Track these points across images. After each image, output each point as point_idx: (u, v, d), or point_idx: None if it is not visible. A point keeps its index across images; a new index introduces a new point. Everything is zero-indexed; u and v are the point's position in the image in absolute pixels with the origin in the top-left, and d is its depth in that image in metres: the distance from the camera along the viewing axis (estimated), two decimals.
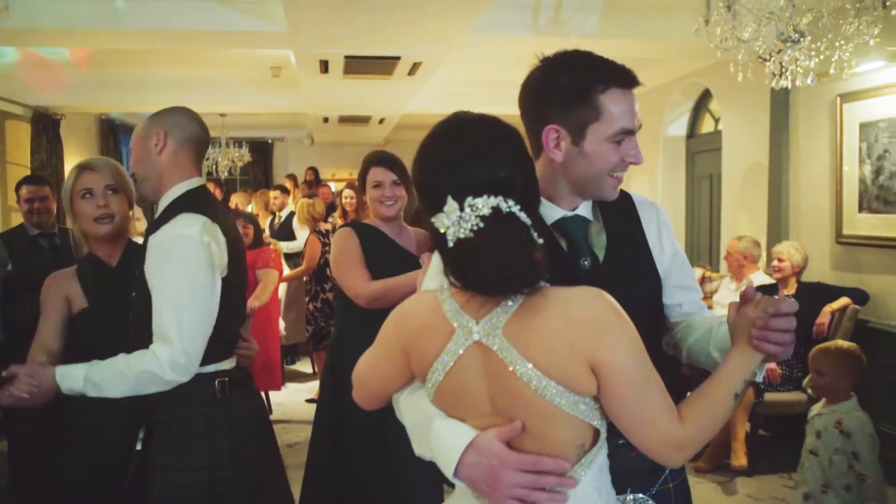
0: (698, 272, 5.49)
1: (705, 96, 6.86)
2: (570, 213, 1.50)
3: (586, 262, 1.49)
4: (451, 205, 1.20)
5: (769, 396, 4.29)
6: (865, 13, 2.91)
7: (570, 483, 1.22)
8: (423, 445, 1.34)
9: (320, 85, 6.37)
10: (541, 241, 1.22)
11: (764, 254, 5.12)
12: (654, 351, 1.54)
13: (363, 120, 9.32)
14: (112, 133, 9.58)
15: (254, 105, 8.10)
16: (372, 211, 2.89)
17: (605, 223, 1.55)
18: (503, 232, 1.18)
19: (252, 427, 2.12)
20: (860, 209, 4.41)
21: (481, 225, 1.18)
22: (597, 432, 1.24)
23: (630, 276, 1.52)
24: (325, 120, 9.22)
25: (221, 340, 2.04)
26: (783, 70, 3.24)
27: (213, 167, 10.12)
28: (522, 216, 1.21)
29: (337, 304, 3.04)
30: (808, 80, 3.31)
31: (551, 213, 1.48)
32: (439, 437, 1.29)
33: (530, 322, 1.20)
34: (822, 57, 3.20)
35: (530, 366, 1.19)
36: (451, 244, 1.21)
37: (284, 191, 8.24)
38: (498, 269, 1.18)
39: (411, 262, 2.83)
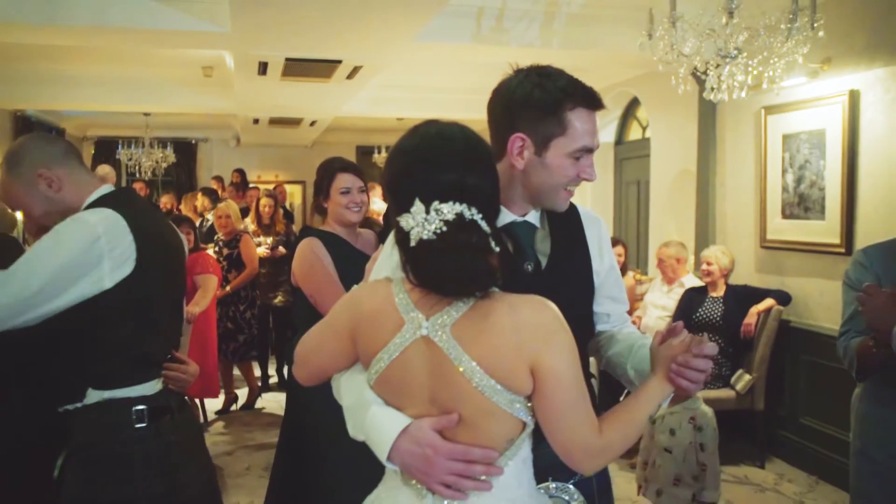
0: (630, 276, 5.68)
1: (633, 104, 7.11)
2: (520, 219, 1.59)
3: (529, 267, 1.58)
4: (417, 206, 1.26)
5: (700, 393, 4.49)
6: (797, 33, 3.11)
7: (497, 471, 1.31)
8: (357, 428, 1.40)
9: (256, 86, 6.28)
10: (497, 249, 1.29)
11: (692, 257, 5.36)
12: (581, 355, 1.65)
13: (295, 122, 9.21)
14: (28, 130, 9.15)
15: (183, 105, 7.89)
16: (336, 217, 2.89)
17: (551, 231, 1.63)
18: (464, 238, 1.25)
19: (180, 458, 1.93)
20: (783, 216, 4.67)
21: (444, 229, 1.24)
22: (525, 428, 1.32)
23: (569, 282, 1.62)
24: (256, 121, 9.06)
25: (139, 360, 1.87)
26: (720, 84, 3.41)
27: (137, 168, 9.79)
28: (483, 225, 1.28)
29: (298, 312, 3.00)
30: (742, 94, 3.50)
31: (502, 216, 1.55)
32: (375, 423, 1.35)
33: (479, 323, 1.27)
34: (755, 72, 3.39)
35: (475, 364, 1.26)
36: (413, 244, 1.26)
37: (212, 193, 8.05)
38: (455, 271, 1.24)
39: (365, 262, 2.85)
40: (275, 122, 9.09)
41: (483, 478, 1.31)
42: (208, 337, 4.91)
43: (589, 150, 1.52)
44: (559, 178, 1.52)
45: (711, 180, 5.34)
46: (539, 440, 1.38)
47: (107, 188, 1.95)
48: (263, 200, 6.10)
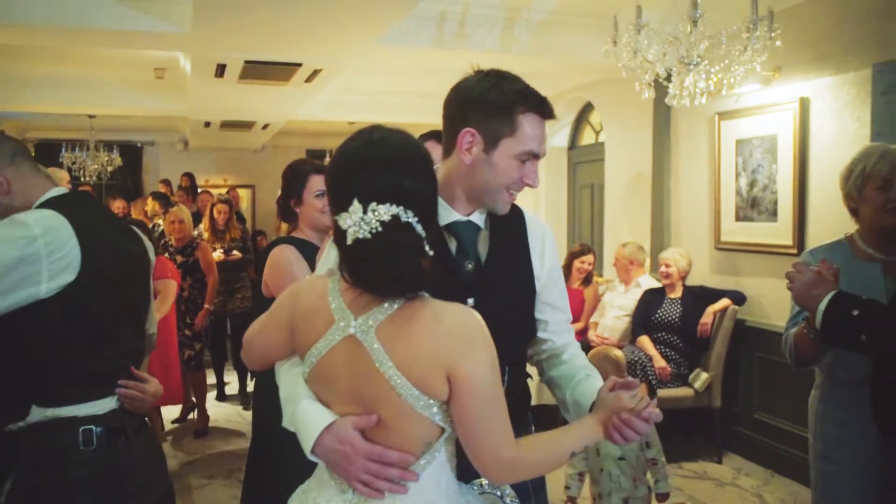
0: (594, 283, 5.76)
1: (586, 109, 7.25)
2: (464, 219, 1.63)
3: (470, 265, 1.62)
4: (355, 206, 1.30)
5: (660, 392, 4.60)
6: (757, 41, 3.23)
7: (412, 477, 1.35)
8: (289, 419, 1.45)
9: (212, 89, 6.17)
10: (431, 253, 1.33)
11: (648, 259, 5.49)
12: (521, 359, 1.75)
13: (247, 125, 9.08)
14: None
15: (132, 107, 7.71)
16: (310, 222, 2.81)
17: (492, 232, 1.67)
18: (398, 238, 1.29)
19: (134, 486, 1.81)
20: (736, 218, 4.83)
21: (380, 229, 1.28)
22: (443, 433, 1.36)
23: (507, 282, 1.66)
24: (207, 124, 8.90)
25: (87, 376, 1.75)
26: (683, 90, 3.52)
27: (81, 172, 9.51)
28: (418, 228, 1.31)
29: None
30: (703, 100, 3.62)
31: (447, 215, 1.60)
32: (303, 417, 1.40)
33: (402, 326, 1.30)
34: (716, 79, 3.50)
35: (393, 366, 1.29)
36: (349, 242, 1.30)
37: (163, 198, 7.87)
38: (387, 270, 1.28)
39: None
40: (227, 125, 8.95)
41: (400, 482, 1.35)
42: (169, 343, 4.80)
43: (535, 156, 1.56)
44: (503, 178, 1.56)
45: (666, 184, 5.48)
46: None
47: (58, 190, 1.85)
48: (219, 206, 5.93)
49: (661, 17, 3.45)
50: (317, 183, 2.78)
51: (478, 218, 1.65)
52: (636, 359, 4.57)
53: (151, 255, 2.08)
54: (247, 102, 7.02)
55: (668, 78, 3.63)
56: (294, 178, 2.84)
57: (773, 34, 3.35)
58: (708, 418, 4.74)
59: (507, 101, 1.53)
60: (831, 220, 4.15)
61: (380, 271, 1.28)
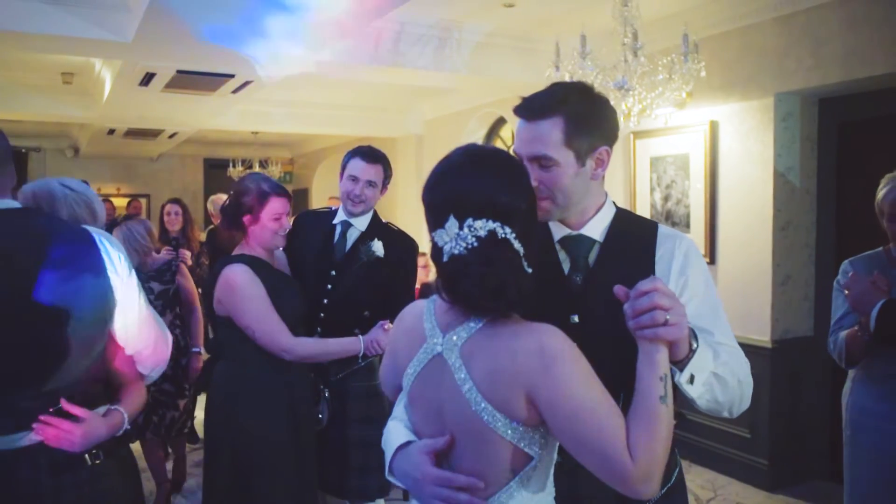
0: None
1: (497, 124, 7.57)
2: (575, 233, 1.60)
3: (578, 279, 1.58)
4: (451, 223, 1.29)
5: None
6: (688, 72, 3.60)
7: None
8: (383, 440, 1.47)
9: (131, 97, 6.01)
10: (530, 270, 1.30)
11: None
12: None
13: (154, 133, 8.82)
14: None
15: (32, 112, 7.32)
16: (262, 241, 2.78)
17: (607, 245, 1.60)
18: (495, 253, 1.27)
19: None
20: None
21: (475, 244, 1.27)
22: (530, 460, 1.29)
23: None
24: (111, 132, 8.58)
25: None
26: (619, 112, 3.83)
27: None
28: (516, 244, 1.29)
29: (225, 339, 2.81)
30: (634, 121, 3.95)
31: (557, 230, 1.61)
32: (386, 437, 1.44)
33: (483, 344, 1.29)
34: (648, 103, 3.85)
35: (473, 385, 1.27)
36: (445, 259, 1.30)
37: None
38: (484, 285, 1.25)
39: (292, 282, 2.85)
40: (132, 133, 8.66)
41: None
42: None
43: (519, 157, 1.52)
44: None
45: None
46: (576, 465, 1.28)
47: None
48: (169, 207, 5.12)
49: (598, 43, 3.75)
50: (277, 206, 2.74)
51: (593, 231, 1.61)
52: None
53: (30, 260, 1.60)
54: (164, 111, 6.86)
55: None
56: (254, 198, 2.76)
57: (699, 64, 3.73)
58: None
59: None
60: (738, 231, 4.60)
61: (478, 286, 1.25)
